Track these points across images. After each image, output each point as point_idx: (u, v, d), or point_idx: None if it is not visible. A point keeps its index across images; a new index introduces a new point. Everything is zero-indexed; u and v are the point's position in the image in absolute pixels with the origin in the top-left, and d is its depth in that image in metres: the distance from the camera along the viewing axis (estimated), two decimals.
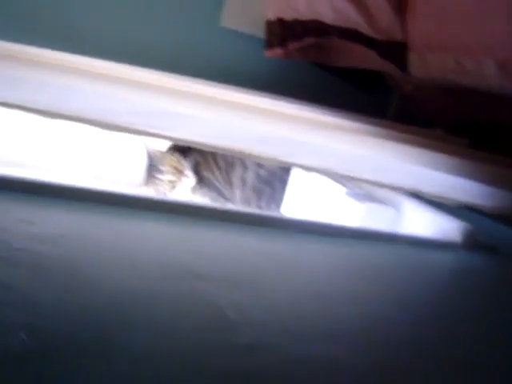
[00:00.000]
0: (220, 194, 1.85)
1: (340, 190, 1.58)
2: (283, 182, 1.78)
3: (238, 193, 1.81)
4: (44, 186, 0.85)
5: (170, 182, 1.73)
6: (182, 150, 1.81)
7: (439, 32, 1.34)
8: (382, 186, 1.12)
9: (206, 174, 1.82)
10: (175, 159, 1.74)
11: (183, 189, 1.77)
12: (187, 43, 1.90)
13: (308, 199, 1.69)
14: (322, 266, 0.98)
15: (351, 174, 1.05)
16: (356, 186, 1.59)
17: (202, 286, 0.68)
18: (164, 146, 1.82)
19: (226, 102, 1.09)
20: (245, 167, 1.77)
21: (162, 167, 1.72)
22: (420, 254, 1.24)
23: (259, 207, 1.81)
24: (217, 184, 1.83)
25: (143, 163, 1.77)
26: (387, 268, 1.12)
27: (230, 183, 1.81)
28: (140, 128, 0.95)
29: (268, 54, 1.78)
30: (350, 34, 1.53)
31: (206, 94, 1.10)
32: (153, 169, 1.73)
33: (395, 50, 1.45)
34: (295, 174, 1.73)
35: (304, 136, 1.06)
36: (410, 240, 1.30)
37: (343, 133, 1.15)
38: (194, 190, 1.80)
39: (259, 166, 1.77)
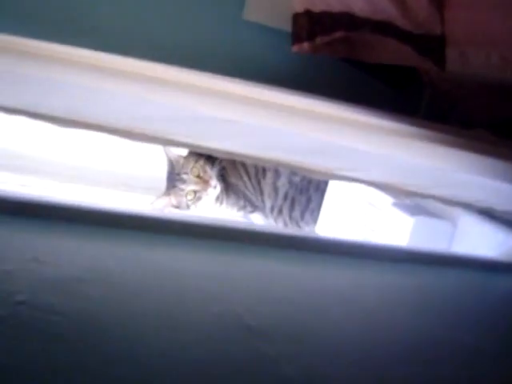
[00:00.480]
0: (249, 202, 1.69)
1: (386, 200, 1.41)
2: (320, 190, 1.62)
3: (268, 202, 1.65)
4: (53, 208, 0.69)
5: (194, 191, 1.57)
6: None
7: (482, 25, 1.25)
8: (450, 203, 0.95)
9: (233, 180, 1.66)
10: (199, 166, 1.58)
11: (208, 199, 1.61)
12: (208, 38, 1.75)
13: (348, 210, 1.52)
14: (382, 298, 0.84)
15: (419, 191, 0.89)
16: (404, 196, 1.42)
17: (261, 346, 0.53)
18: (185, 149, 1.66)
19: (264, 103, 0.93)
20: (277, 173, 1.61)
21: (184, 175, 1.56)
22: (486, 279, 1.08)
23: (292, 218, 1.65)
24: (246, 192, 1.67)
25: (163, 170, 1.62)
26: (453, 297, 0.97)
27: (260, 191, 1.65)
28: (171, 137, 0.79)
29: (294, 48, 1.65)
30: (384, 28, 1.41)
31: (239, 94, 0.94)
32: (174, 177, 1.57)
33: (433, 45, 1.35)
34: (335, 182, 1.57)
35: (365, 145, 0.90)
36: (472, 262, 1.14)
37: (404, 140, 0.99)
38: (219, 199, 1.64)
39: (293, 172, 1.61)
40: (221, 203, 1.66)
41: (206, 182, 1.57)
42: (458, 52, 1.32)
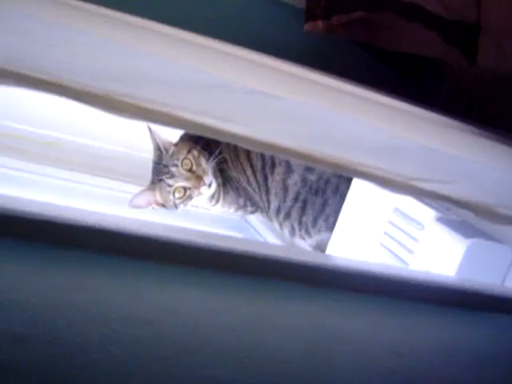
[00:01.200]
0: (250, 201, 1.39)
1: (426, 212, 1.13)
2: (339, 193, 1.32)
3: (274, 202, 1.36)
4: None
5: (183, 189, 1.26)
6: (204, 140, 1.35)
7: None
8: None
9: (234, 174, 1.36)
10: (192, 157, 1.27)
11: (200, 199, 1.31)
12: (217, 13, 1.58)
13: (374, 220, 1.24)
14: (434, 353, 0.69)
15: None
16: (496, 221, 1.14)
17: None
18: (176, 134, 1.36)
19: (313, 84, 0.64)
20: (289, 168, 1.32)
21: (173, 168, 1.25)
22: None
23: (301, 224, 1.36)
24: (248, 189, 1.37)
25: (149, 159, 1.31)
26: None
27: (266, 189, 1.35)
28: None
29: (307, 27, 1.49)
30: (410, 11, 1.28)
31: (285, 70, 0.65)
32: (161, 169, 1.27)
33: (464, 34, 1.22)
34: (359, 182, 1.28)
35: (453, 148, 0.61)
36: None
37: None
38: (214, 196, 1.34)
39: (308, 168, 1.31)
40: (216, 201, 1.36)
41: (198, 179, 1.26)
42: (494, 44, 1.18)
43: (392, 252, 1.19)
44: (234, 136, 0.53)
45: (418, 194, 0.62)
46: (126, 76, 0.49)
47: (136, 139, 1.60)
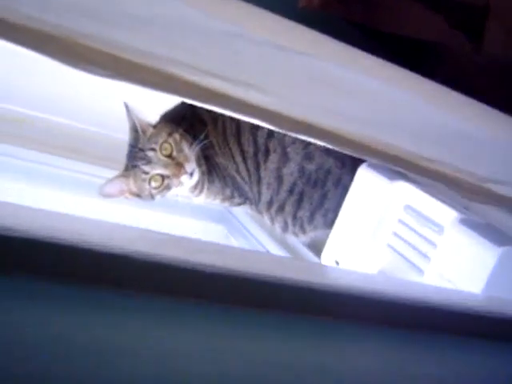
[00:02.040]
0: (238, 192, 1.21)
1: (445, 212, 0.97)
2: (341, 185, 1.16)
3: (266, 194, 1.18)
4: None
5: (161, 177, 1.08)
6: (188, 122, 1.16)
7: None
8: None
9: (221, 160, 1.18)
10: (172, 141, 1.09)
11: (180, 190, 1.13)
12: None
13: (382, 219, 1.08)
14: None
15: None
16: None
17: None
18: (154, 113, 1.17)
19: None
20: (285, 157, 1.14)
21: (150, 153, 1.07)
22: None
23: (296, 219, 1.19)
24: (236, 178, 1.19)
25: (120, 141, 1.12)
26: None
27: (257, 178, 1.18)
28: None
29: (302, 2, 1.37)
30: None
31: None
32: (136, 153, 1.08)
33: (471, 17, 1.12)
34: (364, 174, 1.11)
35: None
36: None
37: None
38: (198, 185, 1.16)
39: (307, 157, 1.14)
40: (200, 191, 1.17)
41: (179, 166, 1.08)
42: (503, 29, 1.08)
43: (403, 256, 1.03)
44: (252, 108, 0.35)
45: (493, 201, 0.46)
46: (100, 10, 0.31)
47: (113, 117, 1.41)
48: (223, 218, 1.58)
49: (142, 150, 1.06)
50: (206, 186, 1.17)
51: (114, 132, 1.45)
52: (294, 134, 0.37)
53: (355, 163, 1.13)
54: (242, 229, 1.54)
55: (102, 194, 1.04)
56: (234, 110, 0.35)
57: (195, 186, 1.15)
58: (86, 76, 0.33)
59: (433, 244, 0.97)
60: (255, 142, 1.15)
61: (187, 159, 1.09)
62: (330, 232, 1.19)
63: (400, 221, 1.05)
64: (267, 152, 1.14)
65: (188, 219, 1.56)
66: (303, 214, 1.18)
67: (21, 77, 1.34)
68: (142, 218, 1.46)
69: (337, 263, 1.13)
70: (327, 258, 1.16)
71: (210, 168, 1.17)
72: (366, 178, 1.11)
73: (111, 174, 1.15)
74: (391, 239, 1.06)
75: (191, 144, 1.11)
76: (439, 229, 0.97)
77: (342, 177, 1.16)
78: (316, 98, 0.36)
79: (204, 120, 1.18)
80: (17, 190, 1.37)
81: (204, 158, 1.15)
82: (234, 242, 1.58)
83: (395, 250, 1.05)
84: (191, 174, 1.09)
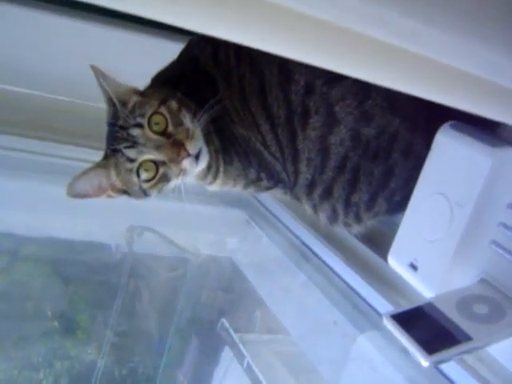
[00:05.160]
0: (267, 172, 0.87)
1: None
2: (413, 155, 0.82)
3: (306, 172, 0.84)
4: None
5: (154, 164, 0.74)
6: (189, 80, 0.82)
7: None
8: None
9: (241, 132, 0.83)
10: (167, 110, 0.74)
11: (184, 179, 0.78)
12: None
13: (481, 203, 0.73)
14: None
15: None
16: None
17: None
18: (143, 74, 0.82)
19: None
20: (332, 118, 0.80)
21: (134, 131, 0.72)
22: None
23: (350, 206, 0.85)
24: (263, 153, 0.85)
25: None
26: None
27: (293, 152, 0.84)
28: None
29: None
30: None
31: None
32: (116, 133, 0.73)
33: None
34: (447, 138, 0.76)
35: None
36: None
37: None
38: (211, 169, 0.82)
39: (364, 117, 0.79)
40: (214, 177, 0.83)
41: (177, 147, 0.74)
42: None
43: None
44: None
45: None
46: None
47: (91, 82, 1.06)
48: (242, 202, 1.25)
49: (123, 127, 0.72)
50: (221, 169, 0.83)
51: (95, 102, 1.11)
52: None
53: (432, 123, 0.79)
54: (268, 214, 1.21)
55: (72, 193, 0.71)
56: None
57: (207, 171, 0.81)
58: None
59: None
60: (288, 101, 0.80)
61: (190, 135, 0.74)
62: (397, 219, 0.85)
63: (502, 224, 0.71)
64: (306, 114, 0.80)
65: (197, 206, 1.23)
66: (359, 197, 0.84)
67: None
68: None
69: (413, 267, 0.79)
70: (397, 258, 0.83)
71: (226, 143, 0.82)
72: (451, 145, 0.76)
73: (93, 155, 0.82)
74: (497, 233, 0.72)
75: (195, 112, 0.76)
76: None
77: (414, 143, 0.81)
78: None
79: (212, 75, 0.83)
80: None
81: (216, 131, 0.81)
82: (258, 232, 1.26)
83: (504, 249, 0.72)
84: (197, 157, 0.75)
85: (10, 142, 1.12)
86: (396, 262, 0.81)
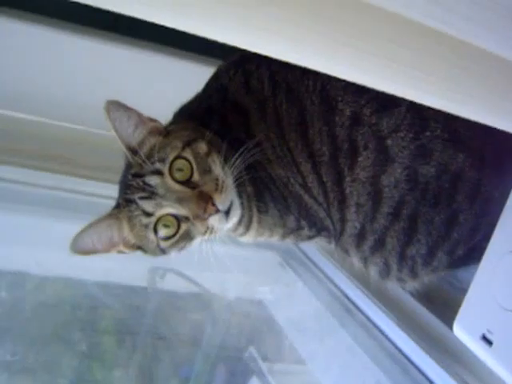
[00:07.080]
0: (308, 220, 0.74)
1: None
2: (481, 198, 0.68)
3: (354, 221, 0.72)
4: None
5: (176, 219, 0.62)
6: (216, 115, 0.71)
7: None
8: None
9: (278, 172, 0.71)
10: (192, 154, 0.63)
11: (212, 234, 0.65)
12: None
13: None
14: None
15: None
16: None
17: None
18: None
19: None
20: (384, 155, 0.67)
21: (152, 178, 0.61)
22: None
23: (405, 260, 0.72)
24: (304, 197, 0.72)
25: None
26: None
27: (339, 196, 0.71)
28: None
29: None
30: None
31: None
32: (131, 182, 0.63)
33: None
34: None
35: None
36: None
37: None
38: (243, 219, 0.70)
39: (421, 151, 0.66)
40: (246, 228, 0.71)
41: (204, 200, 0.62)
42: None
43: None
44: None
45: None
46: None
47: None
48: (283, 250, 1.12)
49: (137, 175, 0.61)
50: (255, 219, 0.70)
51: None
52: None
53: (504, 159, 0.66)
54: (304, 258, 1.08)
55: (77, 248, 0.59)
56: None
57: (237, 222, 0.69)
58: None
59: None
60: (333, 136, 0.68)
61: (219, 186, 0.63)
62: (460, 274, 0.72)
63: None
64: (354, 150, 0.67)
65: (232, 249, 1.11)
66: (417, 250, 0.71)
67: None
68: None
69: (486, 340, 0.65)
70: (466, 328, 0.68)
71: (260, 186, 0.70)
72: None
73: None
74: None
75: (225, 156, 0.65)
76: None
77: (482, 184, 0.68)
78: None
79: (244, 107, 0.72)
80: None
81: (247, 171, 0.69)
82: (291, 276, 1.12)
83: None
84: (227, 212, 0.63)
85: (26, 175, 1.02)
86: (464, 333, 0.67)
